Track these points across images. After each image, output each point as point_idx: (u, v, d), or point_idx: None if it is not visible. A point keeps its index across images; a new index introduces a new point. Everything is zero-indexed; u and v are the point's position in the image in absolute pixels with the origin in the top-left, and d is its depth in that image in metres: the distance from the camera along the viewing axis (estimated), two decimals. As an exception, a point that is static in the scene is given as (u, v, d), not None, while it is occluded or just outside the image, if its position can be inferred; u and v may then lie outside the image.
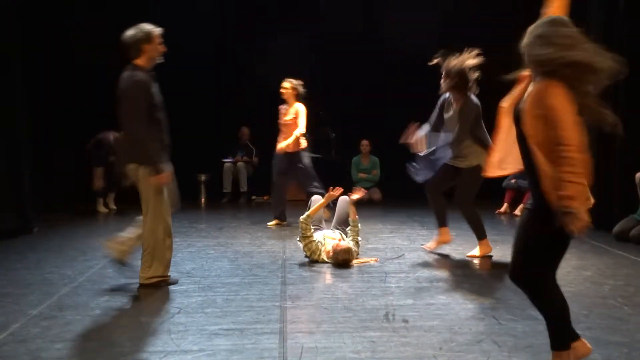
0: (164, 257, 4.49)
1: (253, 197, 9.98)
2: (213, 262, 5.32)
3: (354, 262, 5.21)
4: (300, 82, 7.29)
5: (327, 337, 3.42)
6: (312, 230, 5.40)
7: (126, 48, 4.41)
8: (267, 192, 9.99)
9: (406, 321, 3.71)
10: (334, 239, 5.40)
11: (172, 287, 4.46)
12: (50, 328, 3.58)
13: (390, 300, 4.16)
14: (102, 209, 8.47)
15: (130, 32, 4.41)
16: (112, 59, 9.44)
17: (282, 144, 7.24)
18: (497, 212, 8.46)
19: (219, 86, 9.85)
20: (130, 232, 4.58)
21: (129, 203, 8.67)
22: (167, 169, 4.46)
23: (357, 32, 9.70)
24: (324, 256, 5.30)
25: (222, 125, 9.85)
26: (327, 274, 4.98)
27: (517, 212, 8.28)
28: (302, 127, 7.07)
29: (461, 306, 4.04)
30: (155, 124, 4.42)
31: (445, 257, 5.61)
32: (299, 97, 7.23)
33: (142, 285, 4.45)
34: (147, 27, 4.44)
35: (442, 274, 4.96)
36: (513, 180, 8.56)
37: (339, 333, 3.50)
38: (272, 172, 7.63)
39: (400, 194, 8.70)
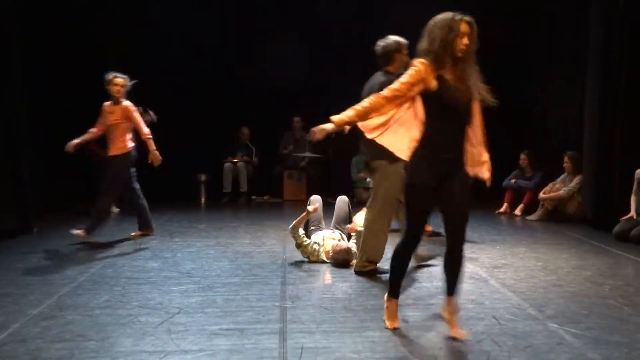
0: (374, 248, 4.89)
1: (253, 197, 9.99)
2: (213, 262, 5.32)
3: (354, 262, 5.21)
4: (126, 77, 6.38)
5: (327, 337, 3.42)
6: (303, 236, 5.40)
7: (378, 56, 4.96)
8: (268, 192, 10.05)
9: (406, 321, 3.71)
10: (334, 239, 5.40)
11: (171, 287, 4.47)
12: (50, 328, 3.58)
13: (390, 300, 4.15)
14: (113, 208, 8.45)
15: (382, 43, 4.95)
16: (112, 59, 9.53)
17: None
18: (497, 212, 8.46)
19: (219, 86, 9.85)
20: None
21: (128, 203, 8.71)
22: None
23: (357, 31, 9.71)
24: (323, 256, 5.30)
25: (222, 125, 9.86)
26: (326, 274, 4.98)
27: (517, 212, 8.29)
28: (146, 127, 6.28)
29: (461, 306, 4.03)
30: None
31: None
32: (126, 95, 6.35)
33: (356, 273, 4.91)
34: (397, 38, 4.92)
35: (442, 274, 4.94)
36: (513, 181, 8.57)
37: (339, 333, 3.50)
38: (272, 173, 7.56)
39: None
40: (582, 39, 7.69)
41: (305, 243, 5.35)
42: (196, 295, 4.26)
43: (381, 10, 9.66)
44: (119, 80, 6.25)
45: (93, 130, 6.40)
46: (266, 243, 6.23)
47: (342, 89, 10.16)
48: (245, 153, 10.10)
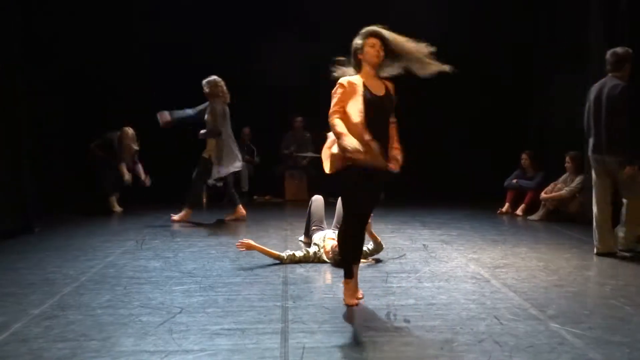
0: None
1: (254, 197, 10.00)
2: (214, 262, 5.32)
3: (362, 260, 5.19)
4: None
5: (329, 337, 3.43)
6: (292, 253, 5.29)
7: (607, 63, 5.52)
8: (269, 192, 10.05)
9: (408, 321, 3.72)
10: (333, 239, 5.39)
11: (173, 287, 4.47)
12: (52, 328, 3.58)
13: (392, 300, 4.16)
14: (117, 208, 8.44)
15: (612, 51, 5.52)
16: (112, 59, 9.55)
17: None
18: (498, 212, 8.46)
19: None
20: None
21: (130, 203, 8.72)
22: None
23: (358, 31, 9.70)
24: (324, 257, 5.30)
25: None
26: (328, 274, 4.98)
27: (519, 212, 8.29)
28: None
29: (462, 306, 4.04)
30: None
31: (446, 257, 5.61)
32: None
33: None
34: (626, 48, 5.53)
35: (444, 274, 4.96)
36: (514, 180, 8.56)
37: (340, 333, 3.50)
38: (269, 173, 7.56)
39: (402, 194, 8.69)
40: (582, 38, 7.68)
41: (302, 255, 5.30)
42: (198, 295, 4.26)
43: (382, 10, 9.66)
44: None
45: None
46: (267, 243, 6.20)
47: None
48: (247, 153, 10.11)
